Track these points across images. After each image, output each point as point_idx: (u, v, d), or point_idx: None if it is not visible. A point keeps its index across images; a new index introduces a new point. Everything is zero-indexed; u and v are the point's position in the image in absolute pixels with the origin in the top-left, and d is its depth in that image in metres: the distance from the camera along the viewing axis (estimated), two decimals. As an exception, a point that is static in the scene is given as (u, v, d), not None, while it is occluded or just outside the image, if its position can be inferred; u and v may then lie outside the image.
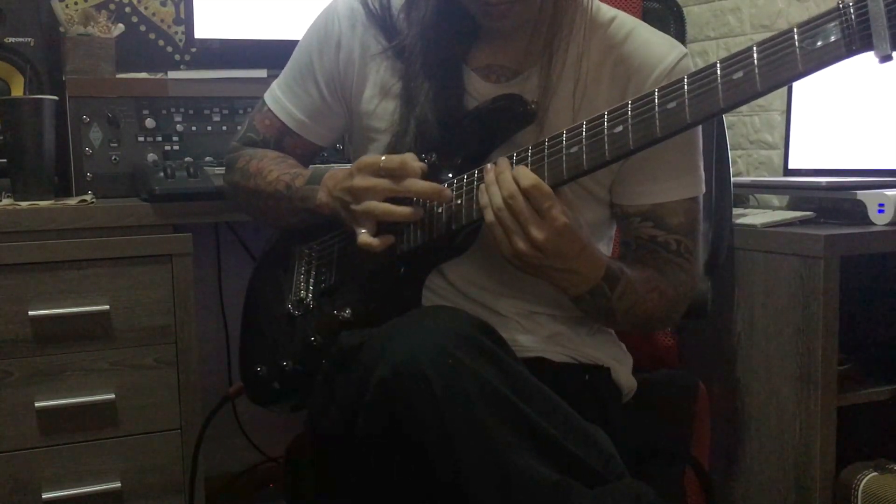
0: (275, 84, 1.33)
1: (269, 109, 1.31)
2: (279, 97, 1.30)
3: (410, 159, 1.09)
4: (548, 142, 1.03)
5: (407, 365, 0.90)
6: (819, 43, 0.86)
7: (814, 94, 1.91)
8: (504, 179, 1.01)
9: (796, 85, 1.92)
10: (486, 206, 1.03)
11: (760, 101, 2.09)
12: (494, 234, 1.03)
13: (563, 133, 1.02)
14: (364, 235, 1.11)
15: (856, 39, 0.84)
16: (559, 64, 1.13)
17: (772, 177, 2.08)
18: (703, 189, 1.19)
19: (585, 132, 1.00)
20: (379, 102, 1.21)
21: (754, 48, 0.89)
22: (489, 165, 1.05)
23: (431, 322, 0.96)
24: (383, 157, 1.09)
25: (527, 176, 1.00)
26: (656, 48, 1.15)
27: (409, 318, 1.00)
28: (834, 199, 1.75)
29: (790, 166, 1.96)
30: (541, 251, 1.01)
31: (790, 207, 1.92)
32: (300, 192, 1.21)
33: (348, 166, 1.15)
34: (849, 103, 1.83)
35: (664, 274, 1.16)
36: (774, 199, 2.00)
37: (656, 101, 0.95)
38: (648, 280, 1.14)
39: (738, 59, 0.90)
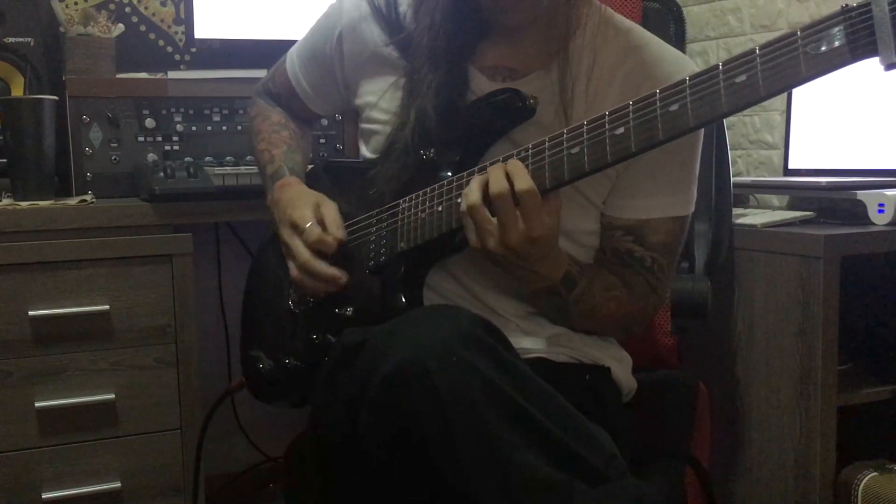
0: (296, 46, 1.37)
1: (286, 68, 1.37)
2: (294, 61, 1.36)
3: (329, 237, 1.15)
4: (548, 142, 1.02)
5: (410, 362, 0.90)
6: (823, 48, 0.83)
7: (814, 94, 1.91)
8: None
9: (796, 85, 1.92)
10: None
11: (760, 101, 2.09)
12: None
13: (563, 133, 1.01)
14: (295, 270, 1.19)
15: (860, 45, 0.82)
16: (567, 68, 1.13)
17: (772, 177, 2.08)
18: (692, 209, 1.19)
19: (586, 133, 0.99)
20: (382, 95, 1.22)
21: (757, 51, 0.88)
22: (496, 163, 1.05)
23: (435, 320, 0.96)
24: (308, 224, 1.15)
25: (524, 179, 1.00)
26: (670, 62, 1.15)
27: (413, 316, 1.01)
28: (834, 199, 1.75)
29: (790, 166, 1.96)
30: (533, 244, 1.02)
31: (790, 207, 1.92)
32: (264, 178, 1.33)
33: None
34: (849, 103, 1.83)
35: (629, 286, 1.17)
36: (774, 199, 2.00)
37: (658, 103, 0.95)
38: (609, 288, 1.15)
39: (740, 63, 0.89)
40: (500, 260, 1.05)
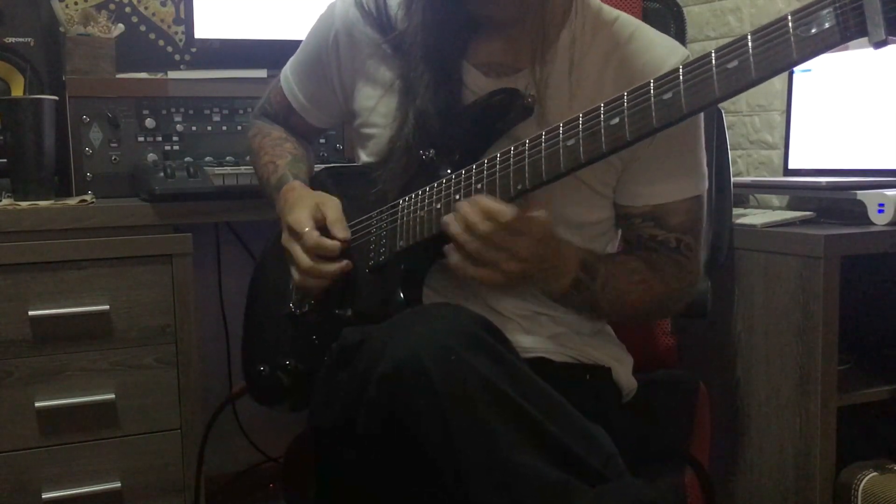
0: (289, 62, 1.38)
1: (281, 87, 1.38)
2: (289, 77, 1.37)
3: (330, 243, 1.13)
4: (545, 135, 1.03)
5: (409, 361, 0.90)
6: (813, 30, 0.85)
7: (814, 94, 1.91)
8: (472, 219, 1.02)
9: (796, 85, 1.92)
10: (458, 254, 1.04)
11: (761, 100, 2.09)
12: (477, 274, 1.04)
13: (559, 126, 1.02)
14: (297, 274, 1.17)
15: (849, 25, 0.84)
16: (560, 60, 1.13)
17: (772, 177, 2.08)
18: (706, 185, 1.19)
19: (582, 125, 1.00)
20: (379, 99, 1.22)
21: (748, 37, 0.89)
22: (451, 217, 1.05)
23: (434, 319, 0.96)
24: (305, 230, 1.14)
25: (500, 210, 1.00)
26: (659, 50, 1.15)
27: (411, 314, 1.00)
28: (834, 199, 1.75)
29: (790, 166, 1.96)
30: (528, 262, 1.02)
31: (790, 207, 1.92)
32: (269, 189, 1.32)
33: (326, 165, 1.25)
34: (849, 103, 1.83)
35: (654, 268, 1.16)
36: (774, 199, 2.00)
37: (652, 91, 0.95)
38: (633, 272, 1.15)
39: (732, 49, 0.90)
40: (527, 273, 1.05)
